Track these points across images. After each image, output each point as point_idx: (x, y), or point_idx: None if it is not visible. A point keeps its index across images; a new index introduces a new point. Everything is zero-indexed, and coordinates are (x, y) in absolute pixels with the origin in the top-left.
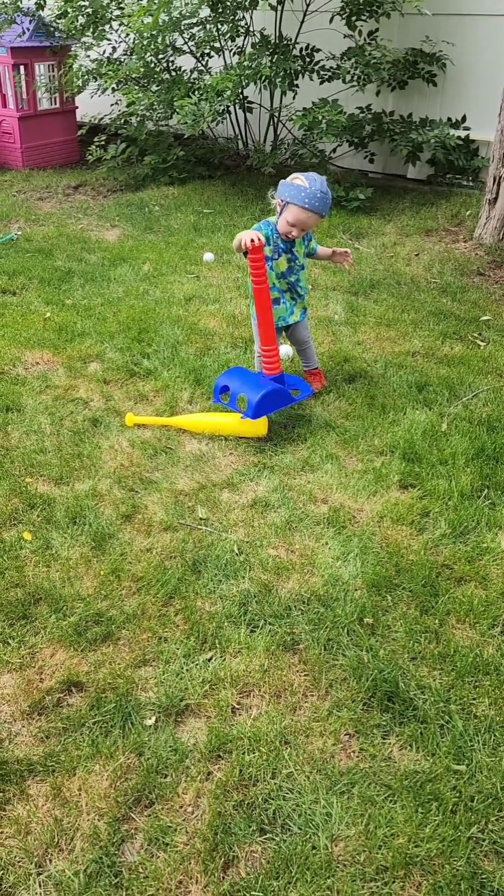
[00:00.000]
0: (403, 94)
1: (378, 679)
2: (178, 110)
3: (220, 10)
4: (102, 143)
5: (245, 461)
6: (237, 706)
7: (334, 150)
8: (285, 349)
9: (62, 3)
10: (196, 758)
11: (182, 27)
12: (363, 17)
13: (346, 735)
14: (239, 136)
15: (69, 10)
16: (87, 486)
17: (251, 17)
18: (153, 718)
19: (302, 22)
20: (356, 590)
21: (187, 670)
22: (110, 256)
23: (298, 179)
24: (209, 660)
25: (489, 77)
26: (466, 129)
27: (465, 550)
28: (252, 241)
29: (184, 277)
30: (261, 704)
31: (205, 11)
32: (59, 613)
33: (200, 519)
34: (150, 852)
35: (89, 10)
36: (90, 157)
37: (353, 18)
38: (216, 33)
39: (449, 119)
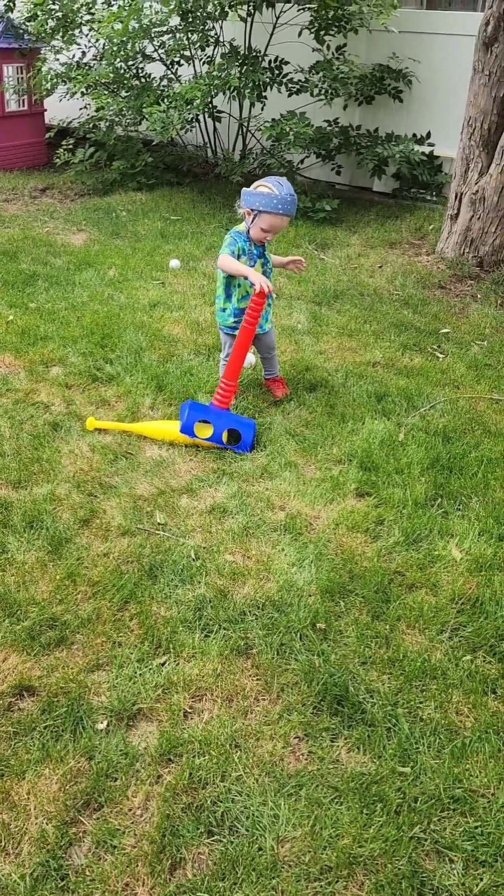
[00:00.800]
0: (370, 109)
1: (328, 683)
2: (147, 117)
3: (191, 19)
4: (70, 146)
5: (205, 467)
6: (189, 710)
7: (302, 161)
8: (249, 358)
9: (32, 6)
10: (146, 761)
11: (152, 35)
12: (331, 32)
13: (295, 738)
14: (208, 145)
15: (39, 13)
16: (45, 491)
17: (221, 28)
18: (105, 723)
19: (271, 34)
20: (310, 595)
21: (140, 675)
22: (76, 261)
23: (264, 187)
24: (163, 664)
25: (453, 95)
26: (431, 145)
27: (416, 558)
28: (269, 288)
29: (149, 283)
30: (213, 708)
31: (175, 20)
32: (13, 618)
33: (158, 524)
34: (97, 855)
35: (59, 13)
36: (58, 160)
37: (322, 33)
38: (186, 42)
39: (414, 135)
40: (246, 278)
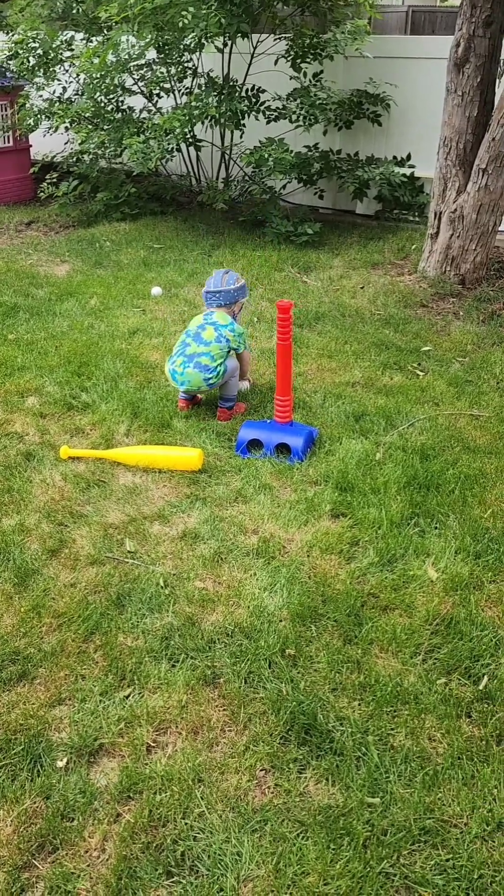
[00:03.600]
0: (350, 134)
1: (296, 712)
2: (127, 148)
3: (167, 51)
4: (54, 180)
5: (178, 493)
6: (153, 744)
7: (284, 187)
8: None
9: (12, 45)
10: (105, 799)
11: (130, 68)
12: (308, 60)
13: (261, 770)
14: (191, 174)
15: (19, 51)
16: (14, 522)
17: (199, 60)
18: (65, 760)
19: (249, 64)
20: (281, 621)
21: (103, 708)
22: (58, 291)
23: (239, 286)
24: (126, 697)
25: (431, 117)
26: (411, 166)
27: (391, 579)
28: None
29: (130, 311)
30: (177, 742)
31: (152, 53)
32: None
33: (128, 552)
34: None
35: (40, 51)
36: (42, 194)
37: (298, 61)
38: (165, 74)
39: (395, 157)
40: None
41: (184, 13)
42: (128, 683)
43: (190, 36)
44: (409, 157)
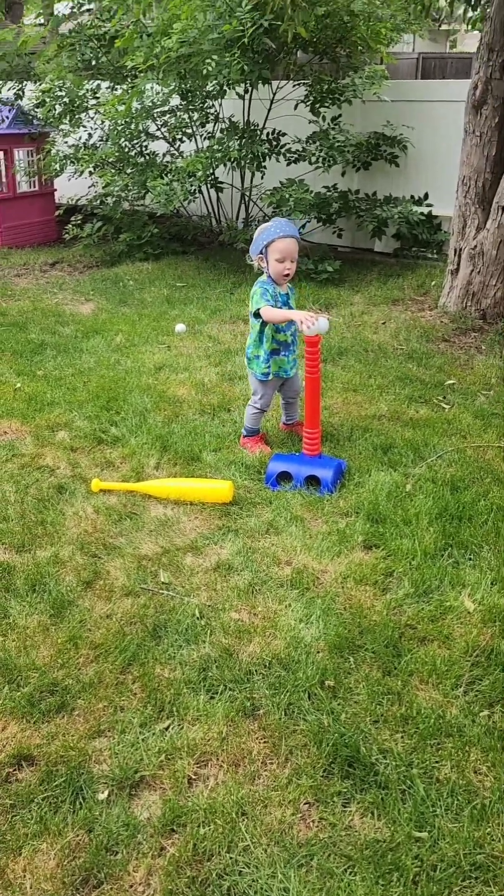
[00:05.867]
0: (368, 175)
1: (339, 744)
2: (151, 190)
3: (190, 98)
4: (79, 221)
5: (210, 525)
6: (194, 777)
7: (303, 227)
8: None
9: (40, 94)
10: (149, 832)
11: (154, 115)
12: (326, 105)
13: (305, 804)
14: (211, 214)
15: (47, 99)
16: (48, 554)
17: (220, 105)
18: (106, 792)
19: (269, 109)
20: (318, 652)
21: (143, 740)
22: (83, 329)
23: (259, 231)
24: (166, 728)
25: (448, 156)
26: (429, 205)
27: (428, 610)
28: (312, 319)
29: (155, 347)
30: (218, 774)
31: (175, 100)
32: (13, 684)
33: (163, 583)
34: None
35: (66, 99)
36: (67, 235)
37: (317, 105)
38: (188, 120)
39: (412, 196)
40: (291, 322)
41: (207, 61)
42: (167, 715)
43: (213, 83)
44: (426, 196)
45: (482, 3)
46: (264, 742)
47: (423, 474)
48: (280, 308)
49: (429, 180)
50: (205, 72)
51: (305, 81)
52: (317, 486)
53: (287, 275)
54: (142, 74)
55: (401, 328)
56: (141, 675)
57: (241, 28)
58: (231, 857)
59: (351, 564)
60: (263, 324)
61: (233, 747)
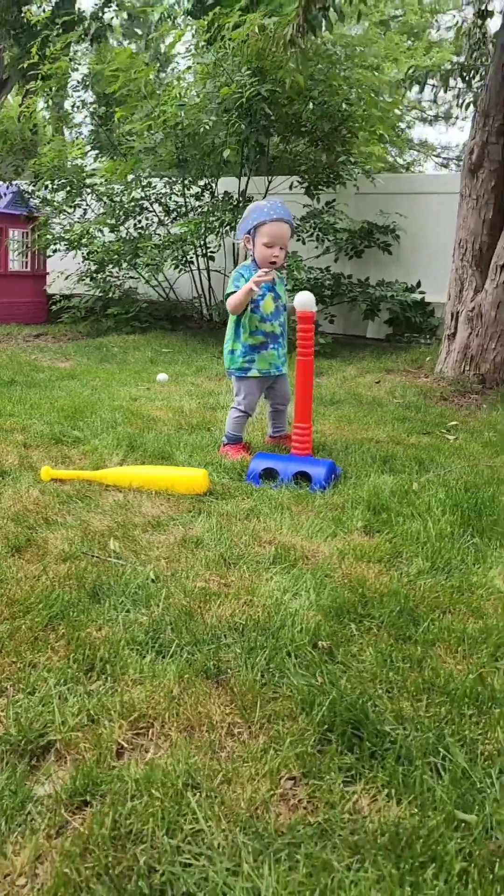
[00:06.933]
0: (360, 262)
1: (338, 708)
2: (139, 254)
3: (186, 167)
4: (68, 293)
5: (178, 508)
6: (126, 745)
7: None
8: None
9: (35, 176)
10: (48, 805)
11: (148, 193)
12: (321, 188)
13: (288, 779)
14: (201, 295)
15: (48, 183)
16: None
17: (216, 184)
18: None
19: (267, 189)
20: (310, 618)
21: (60, 699)
22: (59, 375)
23: (250, 209)
24: (92, 690)
25: (440, 245)
26: (422, 293)
27: (450, 584)
28: (260, 283)
29: (134, 388)
30: (162, 743)
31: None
32: None
33: (113, 552)
34: None
35: (64, 180)
36: (54, 307)
37: (312, 189)
38: (181, 192)
39: (405, 283)
40: (279, 309)
41: (205, 121)
42: (97, 674)
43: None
44: (419, 283)
45: (477, 75)
46: (230, 707)
47: (431, 480)
48: (263, 296)
49: (421, 268)
50: (202, 129)
51: (301, 170)
52: (307, 484)
53: (274, 262)
54: (138, 147)
55: (396, 387)
56: (67, 634)
57: (240, 91)
58: (171, 844)
59: (349, 544)
60: (239, 316)
61: (187, 710)
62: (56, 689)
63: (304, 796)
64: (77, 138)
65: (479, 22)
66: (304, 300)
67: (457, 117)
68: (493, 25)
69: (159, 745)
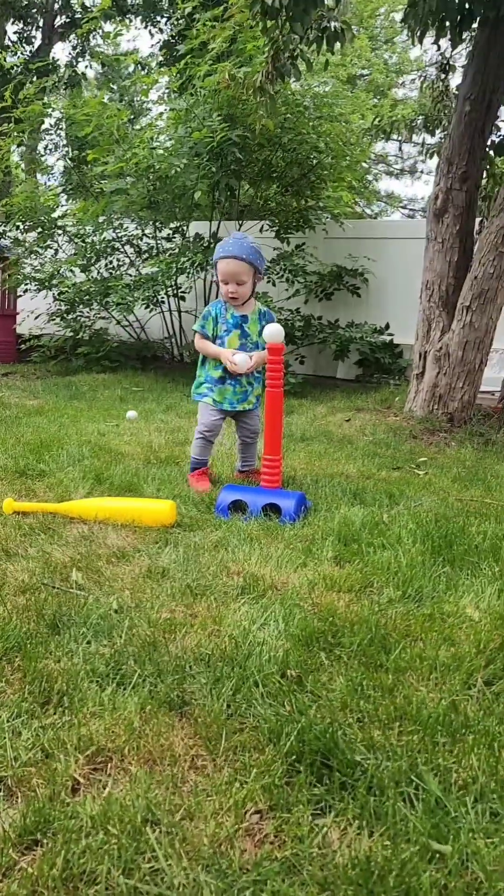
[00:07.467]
0: (330, 304)
1: (308, 737)
2: (110, 293)
3: (158, 209)
4: (38, 333)
5: (144, 539)
6: (82, 781)
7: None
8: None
9: (6, 218)
10: None
11: (120, 234)
12: (291, 231)
13: (254, 813)
14: (172, 335)
15: (18, 224)
16: None
17: (187, 226)
18: None
19: (239, 229)
20: (279, 648)
21: (12, 734)
22: (27, 412)
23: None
24: (48, 723)
25: (407, 288)
26: (390, 335)
27: (422, 613)
28: (234, 364)
29: (102, 424)
30: (121, 777)
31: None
32: None
33: (75, 583)
34: None
35: (34, 221)
36: (23, 346)
37: (282, 232)
38: (152, 235)
39: (374, 325)
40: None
41: (176, 164)
42: (53, 708)
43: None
44: (387, 326)
45: (440, 126)
46: (194, 738)
47: (401, 512)
48: (229, 331)
49: (389, 310)
50: (174, 171)
51: (271, 216)
52: (277, 516)
53: (233, 297)
54: (111, 189)
55: (366, 425)
56: (23, 667)
57: (211, 135)
58: (128, 884)
59: (319, 574)
60: None
61: (147, 743)
62: (9, 723)
63: (270, 830)
64: (49, 183)
65: (442, 76)
66: (272, 332)
67: (422, 171)
68: (454, 80)
69: (118, 779)
